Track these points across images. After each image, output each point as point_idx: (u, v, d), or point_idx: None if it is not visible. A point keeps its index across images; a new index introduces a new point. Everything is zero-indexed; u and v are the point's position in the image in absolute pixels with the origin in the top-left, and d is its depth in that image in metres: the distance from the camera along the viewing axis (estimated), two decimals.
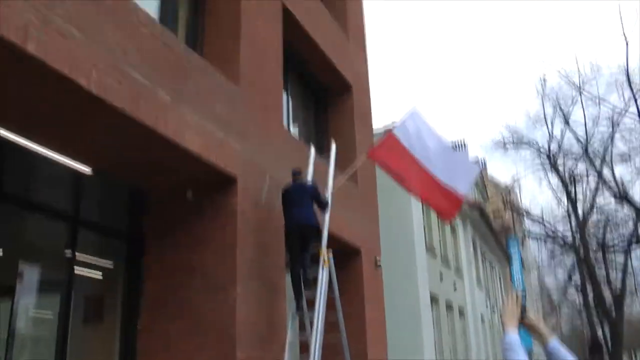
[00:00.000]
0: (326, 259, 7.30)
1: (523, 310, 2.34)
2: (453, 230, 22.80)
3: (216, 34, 7.61)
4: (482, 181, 29.31)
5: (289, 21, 9.38)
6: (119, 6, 5.30)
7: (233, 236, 6.71)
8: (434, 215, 19.35)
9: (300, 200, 7.22)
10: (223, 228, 6.79)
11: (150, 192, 7.16)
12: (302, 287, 7.10)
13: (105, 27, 5.06)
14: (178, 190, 7.02)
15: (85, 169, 6.25)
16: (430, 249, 18.33)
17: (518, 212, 24.79)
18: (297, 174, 7.58)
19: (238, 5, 7.69)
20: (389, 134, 7.69)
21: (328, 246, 7.54)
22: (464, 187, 7.66)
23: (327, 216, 7.69)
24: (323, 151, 10.83)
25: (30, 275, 5.60)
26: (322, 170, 8.47)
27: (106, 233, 6.93)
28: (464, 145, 35.76)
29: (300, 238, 7.10)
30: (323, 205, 7.49)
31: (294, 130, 10.65)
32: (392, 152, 7.56)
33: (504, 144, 21.09)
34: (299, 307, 7.11)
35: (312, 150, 8.37)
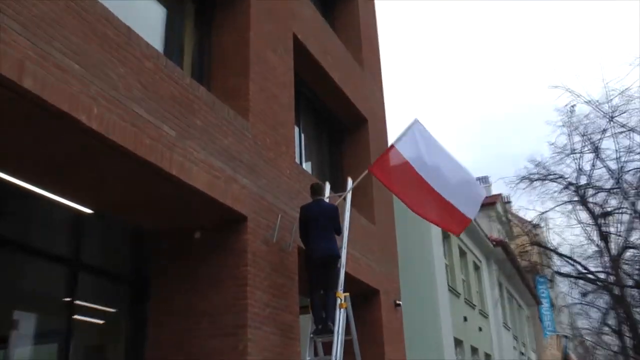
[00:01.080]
0: (343, 301, 7.26)
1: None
2: (477, 269, 22.44)
3: (224, 66, 7.64)
4: (507, 217, 28.95)
5: (301, 52, 9.41)
6: (122, 39, 5.29)
7: (243, 278, 6.63)
8: (456, 253, 19.09)
9: (322, 224, 7.25)
10: (232, 269, 6.71)
11: (155, 233, 7.11)
12: (323, 313, 7.09)
13: (106, 61, 5.05)
14: (184, 230, 6.96)
15: (86, 210, 6.20)
16: (453, 289, 18.01)
17: (546, 249, 24.30)
18: (317, 191, 7.57)
19: (246, 36, 7.72)
20: (390, 147, 7.82)
21: (345, 289, 7.44)
22: (470, 213, 7.82)
23: (343, 258, 7.58)
24: (338, 188, 10.73)
25: (26, 323, 5.47)
26: (340, 206, 8.33)
27: (108, 277, 6.85)
28: (487, 180, 35.59)
29: (322, 267, 7.16)
30: (339, 232, 7.53)
31: (306, 166, 10.60)
32: (394, 167, 7.67)
33: (529, 178, 20.78)
34: (317, 331, 7.09)
35: (328, 187, 8.28)
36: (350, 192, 8.52)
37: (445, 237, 18.44)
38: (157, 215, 6.61)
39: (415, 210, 7.74)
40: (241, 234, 6.82)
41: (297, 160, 9.69)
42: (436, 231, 16.77)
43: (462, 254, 20.60)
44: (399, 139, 7.83)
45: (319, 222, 7.26)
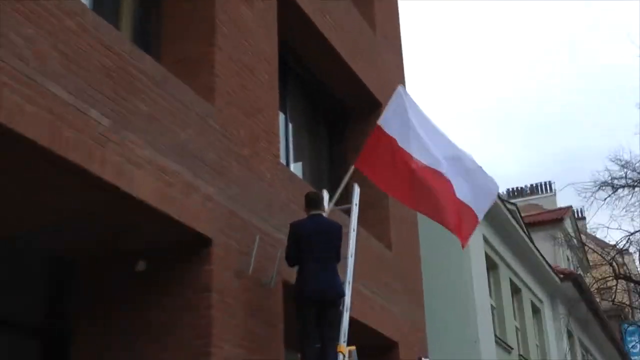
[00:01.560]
0: (347, 358, 7.27)
1: None
2: (536, 313, 22.42)
3: (179, 28, 7.63)
4: (580, 239, 28.92)
5: (288, 9, 9.37)
6: None
7: (206, 327, 6.62)
8: (506, 290, 19.07)
9: (322, 250, 7.33)
10: (191, 314, 6.71)
11: (79, 264, 7.11)
12: None
13: (6, 17, 4.99)
14: (122, 259, 6.93)
15: None
16: (501, 340, 17.98)
17: (637, 284, 24.15)
18: (315, 203, 7.63)
19: None
20: (375, 129, 8.21)
21: (350, 340, 7.43)
22: (479, 211, 8.37)
23: (348, 298, 7.59)
24: (341, 197, 10.68)
25: None
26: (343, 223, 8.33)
27: (10, 329, 6.77)
28: (549, 188, 35.62)
29: (319, 309, 7.22)
30: (338, 259, 7.61)
31: (296, 167, 10.61)
32: (383, 153, 8.11)
33: (612, 184, 20.33)
34: None
35: (326, 197, 8.26)
36: (357, 204, 8.49)
37: (492, 267, 18.43)
38: (82, 239, 6.61)
39: (414, 206, 8.29)
40: (203, 263, 6.81)
41: (283, 159, 9.66)
42: (478, 258, 16.76)
43: (516, 291, 20.59)
44: (384, 117, 8.29)
45: (317, 247, 7.30)
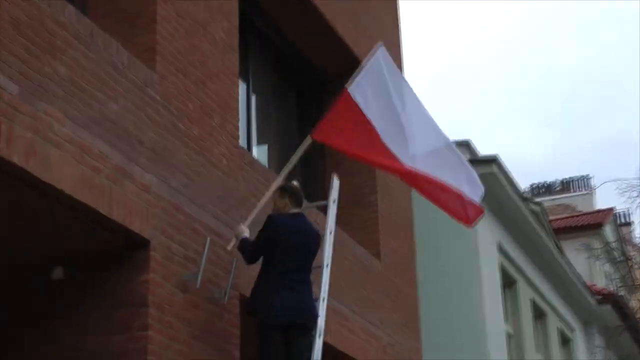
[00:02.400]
0: None
1: None
2: (566, 343, 22.54)
3: None
4: (623, 251, 29.12)
5: None
6: None
7: (142, 349, 6.65)
8: (527, 314, 19.11)
9: (303, 260, 7.55)
10: (123, 334, 6.73)
11: None
12: None
13: None
14: (34, 264, 6.94)
15: None
16: None
17: None
18: (299, 200, 7.81)
19: None
20: (342, 94, 8.18)
21: None
22: (475, 195, 8.59)
23: (322, 319, 7.67)
24: (316, 191, 10.75)
25: None
26: (316, 223, 8.40)
27: None
28: (586, 184, 35.65)
29: (289, 335, 7.30)
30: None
31: (259, 151, 10.68)
32: (349, 126, 8.10)
33: None
34: None
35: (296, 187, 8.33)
36: (336, 200, 8.56)
37: (509, 284, 18.51)
38: None
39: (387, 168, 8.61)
40: (138, 271, 6.85)
41: (243, 142, 9.69)
42: (491, 273, 16.80)
43: (540, 315, 20.66)
44: (354, 80, 8.25)
45: (295, 255, 7.48)
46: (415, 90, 8.71)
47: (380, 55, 8.53)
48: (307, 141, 8.26)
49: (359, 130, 8.09)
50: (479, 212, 8.67)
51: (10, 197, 6.08)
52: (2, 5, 5.78)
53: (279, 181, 8.11)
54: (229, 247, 7.62)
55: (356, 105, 8.10)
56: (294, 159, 8.38)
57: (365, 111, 8.11)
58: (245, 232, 7.64)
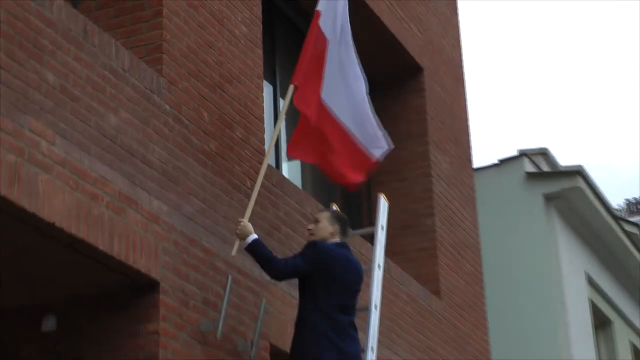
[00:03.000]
0: None
1: None
2: None
3: None
4: None
5: None
6: None
7: None
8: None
9: (353, 299, 7.64)
10: None
11: None
12: None
13: None
14: (20, 312, 6.99)
15: None
16: None
17: None
18: (346, 229, 7.87)
19: None
20: (313, 17, 8.67)
21: None
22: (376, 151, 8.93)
23: None
24: (360, 215, 10.73)
25: None
26: (360, 255, 8.39)
27: None
28: None
29: None
30: None
31: (291, 168, 10.72)
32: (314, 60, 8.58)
33: None
34: None
35: (334, 209, 8.35)
36: (384, 226, 8.54)
37: (602, 323, 18.39)
38: None
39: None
40: (145, 320, 6.85)
41: (271, 157, 9.68)
42: (579, 310, 16.71)
43: None
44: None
45: (347, 293, 7.56)
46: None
47: None
48: (290, 90, 8.25)
49: (316, 71, 8.54)
50: (369, 166, 8.93)
51: None
52: None
53: (272, 145, 8.31)
54: (233, 253, 7.55)
55: (324, 37, 8.65)
56: (282, 113, 8.51)
57: (330, 44, 8.72)
58: (253, 232, 7.56)
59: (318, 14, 8.56)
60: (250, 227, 7.51)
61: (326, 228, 7.69)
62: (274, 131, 8.34)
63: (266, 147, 8.61)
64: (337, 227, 7.71)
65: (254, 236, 7.44)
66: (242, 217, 7.70)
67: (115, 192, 6.63)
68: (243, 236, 7.48)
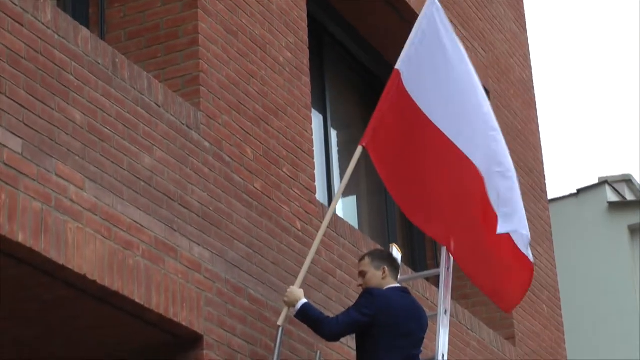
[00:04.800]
0: None
1: None
2: None
3: None
4: None
5: None
6: None
7: None
8: None
9: (415, 350, 7.59)
10: None
11: None
12: None
13: None
14: None
15: None
16: None
17: None
18: (397, 268, 7.93)
19: None
20: (392, 76, 8.27)
21: None
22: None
23: None
24: (423, 255, 10.70)
25: None
26: (424, 300, 8.37)
27: None
28: None
29: None
30: None
31: (345, 206, 10.72)
32: (397, 120, 8.21)
33: None
34: None
35: (396, 255, 8.33)
36: (450, 268, 8.51)
37: None
38: None
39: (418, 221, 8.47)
40: None
41: (322, 195, 9.69)
42: None
43: None
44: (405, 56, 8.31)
45: (410, 345, 7.54)
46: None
47: (435, 14, 8.54)
48: (358, 152, 8.16)
49: (405, 125, 8.25)
50: (529, 274, 8.44)
51: (15, 285, 6.12)
52: None
53: (331, 212, 8.12)
54: (279, 322, 7.48)
55: (405, 91, 8.21)
56: (347, 176, 8.25)
57: (414, 96, 8.22)
58: (303, 297, 7.52)
59: (398, 73, 8.25)
60: (299, 292, 7.48)
61: (375, 275, 7.62)
62: (335, 196, 8.28)
63: (316, 183, 8.61)
64: (385, 268, 7.66)
65: (304, 301, 7.41)
66: (294, 263, 7.73)
67: (152, 239, 6.64)
68: (291, 303, 7.45)
